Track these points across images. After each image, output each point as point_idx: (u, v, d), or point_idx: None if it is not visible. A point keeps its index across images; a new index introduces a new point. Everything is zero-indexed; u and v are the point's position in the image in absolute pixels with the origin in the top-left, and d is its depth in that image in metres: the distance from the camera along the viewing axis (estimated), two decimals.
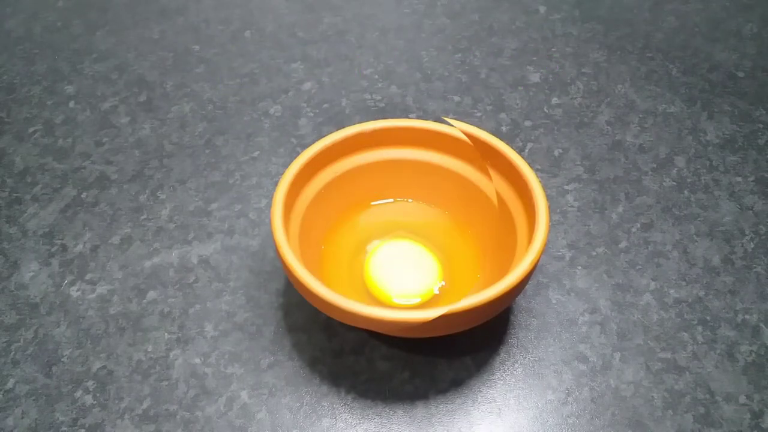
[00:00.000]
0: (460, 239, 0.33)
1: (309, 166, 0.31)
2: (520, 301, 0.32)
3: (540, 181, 0.29)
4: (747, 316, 0.32)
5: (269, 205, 0.37)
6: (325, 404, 0.29)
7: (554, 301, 0.32)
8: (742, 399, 0.29)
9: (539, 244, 0.27)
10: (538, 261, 0.27)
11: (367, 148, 0.33)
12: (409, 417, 0.28)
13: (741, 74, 0.46)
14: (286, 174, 0.30)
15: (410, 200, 0.35)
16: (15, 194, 0.38)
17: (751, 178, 0.39)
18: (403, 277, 0.31)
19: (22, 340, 0.31)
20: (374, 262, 0.32)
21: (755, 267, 0.34)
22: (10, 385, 0.29)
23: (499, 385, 0.29)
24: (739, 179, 0.39)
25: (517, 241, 0.30)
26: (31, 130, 0.42)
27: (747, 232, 0.36)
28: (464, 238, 0.33)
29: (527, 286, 0.33)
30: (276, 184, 0.38)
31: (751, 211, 0.37)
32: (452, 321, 0.26)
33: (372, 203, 0.35)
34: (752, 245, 0.35)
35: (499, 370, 0.30)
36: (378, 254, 0.32)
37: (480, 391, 0.29)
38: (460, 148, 0.33)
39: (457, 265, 0.32)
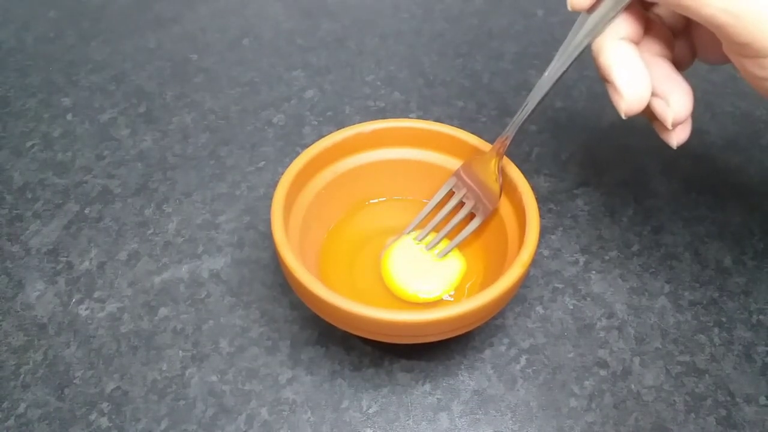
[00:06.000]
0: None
1: (309, 166, 0.31)
2: (538, 308, 0.32)
3: (529, 182, 0.30)
4: (761, 317, 0.32)
5: None
6: (347, 419, 0.28)
7: (571, 307, 0.32)
8: (762, 400, 0.29)
9: (530, 249, 0.27)
10: (526, 272, 0.27)
11: (367, 148, 0.33)
12: (433, 429, 0.28)
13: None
14: (286, 174, 0.30)
15: (410, 200, 0.35)
16: (15, 211, 0.37)
17: (756, 179, 0.39)
18: (422, 273, 0.31)
19: (31, 363, 0.30)
20: (394, 256, 0.32)
21: (766, 267, 0.34)
22: (21, 409, 0.28)
23: (521, 394, 0.29)
24: (744, 180, 0.39)
25: (507, 246, 0.30)
26: (28, 144, 0.41)
27: (756, 232, 0.36)
28: (464, 238, 0.33)
29: (544, 293, 0.33)
30: None
31: (758, 212, 0.37)
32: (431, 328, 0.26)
33: (371, 202, 0.35)
34: (762, 245, 0.35)
35: (521, 378, 0.30)
36: (398, 248, 0.32)
37: (503, 401, 0.29)
38: (461, 148, 0.33)
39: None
